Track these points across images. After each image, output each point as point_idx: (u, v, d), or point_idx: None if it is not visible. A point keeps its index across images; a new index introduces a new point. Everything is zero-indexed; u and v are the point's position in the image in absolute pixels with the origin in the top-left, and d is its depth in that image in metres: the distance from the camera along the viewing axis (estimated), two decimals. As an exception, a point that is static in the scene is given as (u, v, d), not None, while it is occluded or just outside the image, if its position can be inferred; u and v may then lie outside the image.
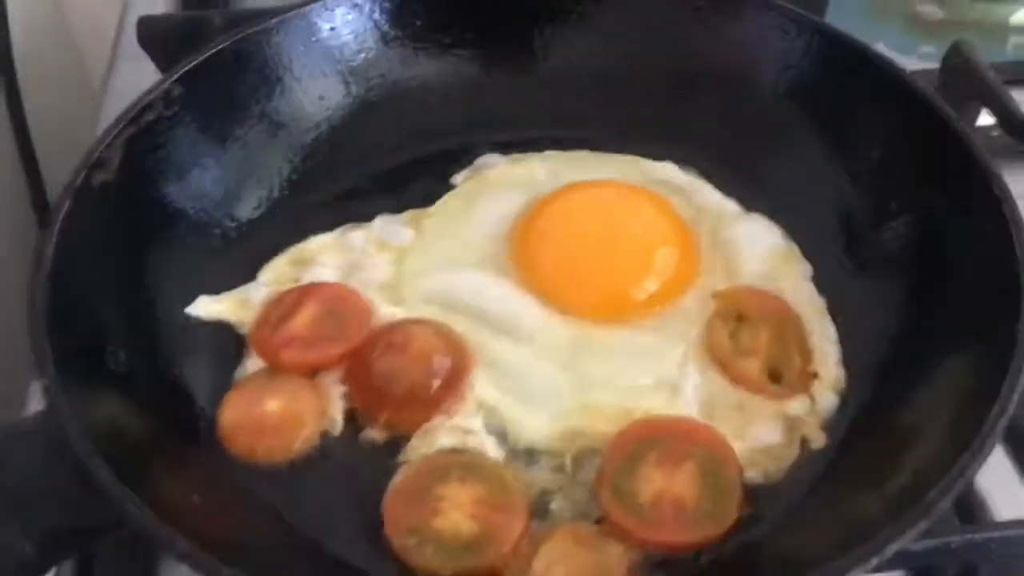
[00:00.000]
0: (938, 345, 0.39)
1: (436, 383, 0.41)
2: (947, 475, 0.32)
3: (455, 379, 0.42)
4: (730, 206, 0.49)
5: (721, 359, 0.43)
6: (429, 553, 0.36)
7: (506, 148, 0.52)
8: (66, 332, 0.35)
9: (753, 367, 0.43)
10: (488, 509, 0.38)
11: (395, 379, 0.41)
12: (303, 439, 0.40)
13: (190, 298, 0.43)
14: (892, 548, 0.30)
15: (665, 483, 0.38)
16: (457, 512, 0.37)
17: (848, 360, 0.43)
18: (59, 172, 0.41)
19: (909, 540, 0.31)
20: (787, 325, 0.44)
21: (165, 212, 0.44)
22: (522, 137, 0.52)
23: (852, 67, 0.48)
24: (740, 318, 0.44)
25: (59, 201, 0.38)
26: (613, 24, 0.53)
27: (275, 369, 0.42)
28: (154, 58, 0.58)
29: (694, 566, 0.36)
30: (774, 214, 0.49)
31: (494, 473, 0.39)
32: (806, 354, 0.43)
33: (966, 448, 0.32)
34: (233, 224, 0.47)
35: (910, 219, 0.44)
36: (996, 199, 0.39)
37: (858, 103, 0.47)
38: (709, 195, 0.50)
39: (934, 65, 0.58)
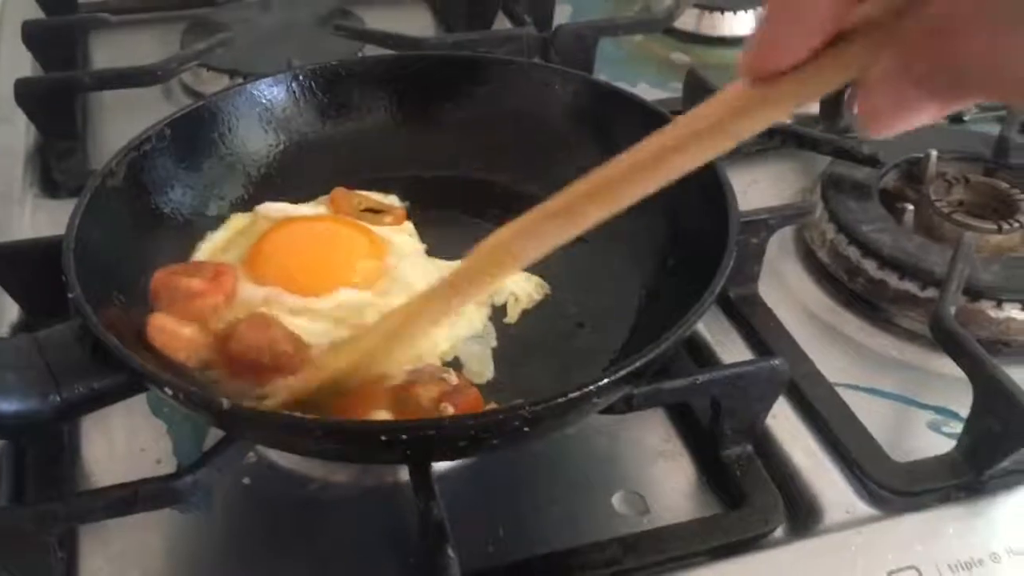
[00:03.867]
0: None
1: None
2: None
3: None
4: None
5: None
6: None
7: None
8: (85, 273, 0.53)
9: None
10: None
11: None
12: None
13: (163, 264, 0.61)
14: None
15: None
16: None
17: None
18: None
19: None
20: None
21: (152, 212, 0.63)
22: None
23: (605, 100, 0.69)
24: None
25: (83, 194, 0.57)
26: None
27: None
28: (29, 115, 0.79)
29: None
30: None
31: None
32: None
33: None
34: (198, 222, 0.65)
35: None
36: (716, 175, 0.59)
37: (617, 126, 0.68)
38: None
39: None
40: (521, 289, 0.64)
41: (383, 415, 0.50)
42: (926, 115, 0.34)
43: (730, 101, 0.39)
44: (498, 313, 0.63)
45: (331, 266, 0.61)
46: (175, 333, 0.53)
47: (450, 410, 0.50)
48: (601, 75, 0.94)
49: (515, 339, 0.61)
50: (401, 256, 0.64)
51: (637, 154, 0.42)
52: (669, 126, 0.41)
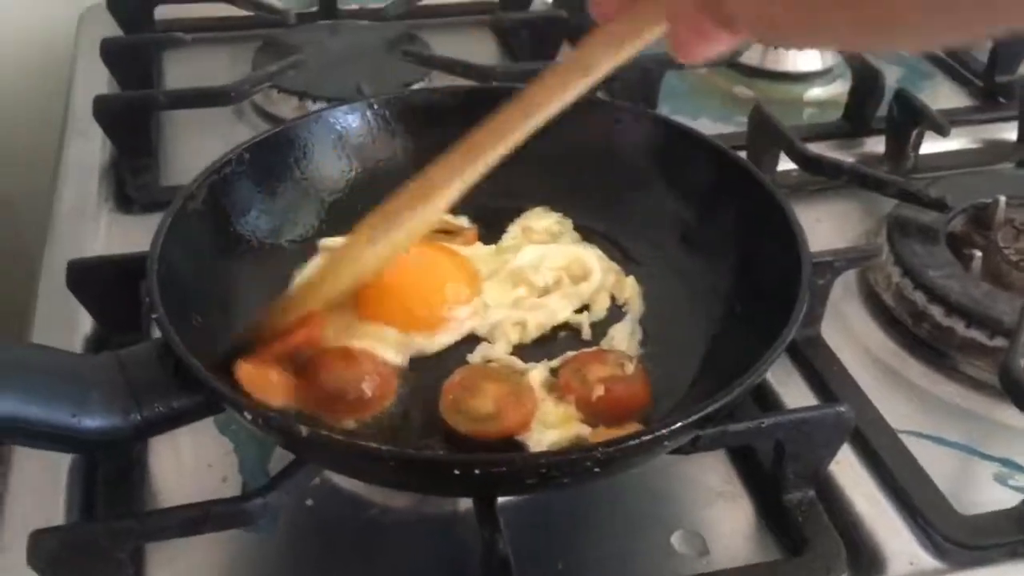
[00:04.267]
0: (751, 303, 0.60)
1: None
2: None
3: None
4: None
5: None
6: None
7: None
8: (166, 292, 0.54)
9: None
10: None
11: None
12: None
13: (240, 289, 0.63)
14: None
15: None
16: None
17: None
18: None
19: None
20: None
21: (229, 235, 0.64)
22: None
23: (676, 140, 0.69)
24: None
25: (166, 215, 0.58)
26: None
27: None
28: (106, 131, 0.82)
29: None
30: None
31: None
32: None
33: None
34: (273, 248, 0.67)
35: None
36: (787, 218, 0.59)
37: (685, 164, 0.68)
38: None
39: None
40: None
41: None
42: (722, 44, 0.42)
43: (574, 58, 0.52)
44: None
45: (436, 298, 0.63)
46: (264, 378, 0.54)
47: (600, 391, 0.55)
48: (664, 108, 0.95)
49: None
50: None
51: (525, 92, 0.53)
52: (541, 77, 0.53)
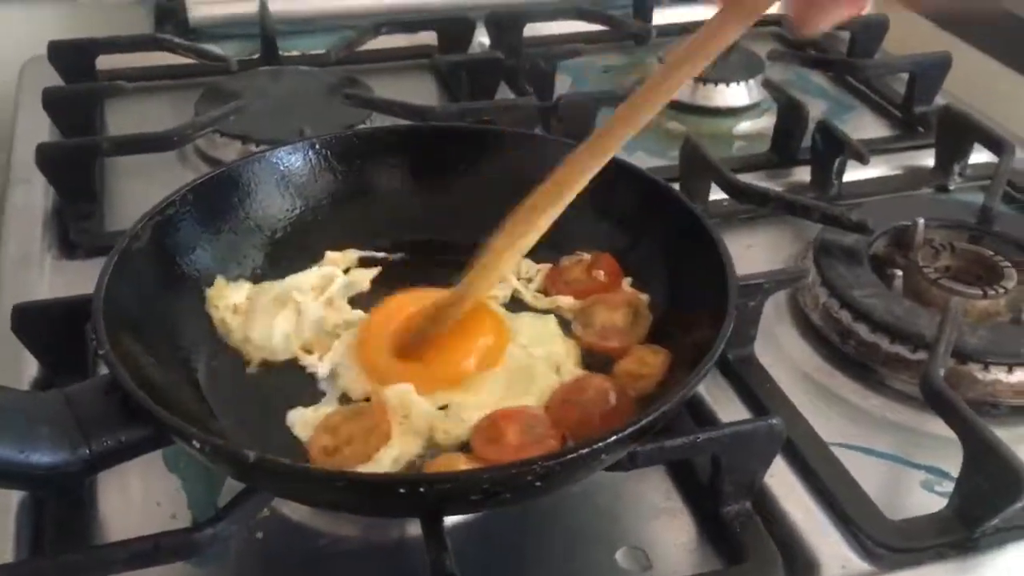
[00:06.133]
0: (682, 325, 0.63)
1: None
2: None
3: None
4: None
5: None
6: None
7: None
8: (112, 330, 0.55)
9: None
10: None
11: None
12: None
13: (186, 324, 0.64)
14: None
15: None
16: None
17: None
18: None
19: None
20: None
21: (174, 273, 0.65)
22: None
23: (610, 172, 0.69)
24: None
25: (111, 255, 0.59)
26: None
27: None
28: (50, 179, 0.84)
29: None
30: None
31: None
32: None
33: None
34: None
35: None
36: (714, 241, 0.62)
37: (615, 193, 0.70)
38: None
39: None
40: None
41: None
42: (838, 14, 0.47)
43: (699, 34, 0.55)
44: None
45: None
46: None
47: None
48: (600, 143, 0.98)
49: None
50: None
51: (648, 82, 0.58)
52: (668, 55, 0.56)
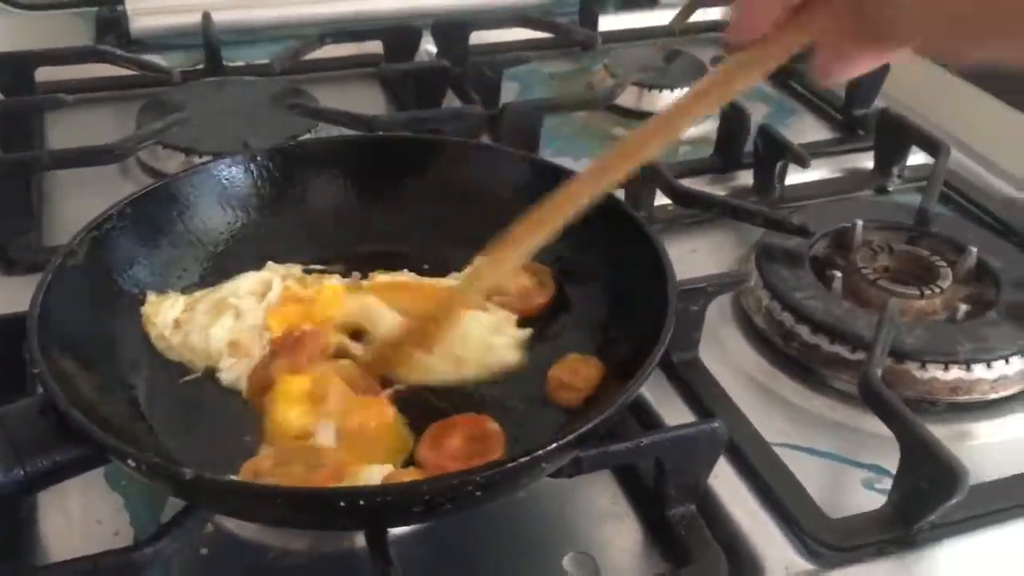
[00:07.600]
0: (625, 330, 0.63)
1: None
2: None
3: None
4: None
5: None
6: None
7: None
8: (48, 348, 0.54)
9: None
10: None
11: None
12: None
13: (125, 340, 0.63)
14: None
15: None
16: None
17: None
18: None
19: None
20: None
21: (112, 289, 0.64)
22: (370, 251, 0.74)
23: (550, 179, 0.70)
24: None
25: (45, 272, 0.58)
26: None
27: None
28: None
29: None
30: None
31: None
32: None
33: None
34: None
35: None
36: (654, 246, 0.63)
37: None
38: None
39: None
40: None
41: None
42: (863, 65, 0.46)
43: (715, 75, 0.53)
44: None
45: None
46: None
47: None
48: (548, 149, 0.98)
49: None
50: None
51: (653, 121, 0.57)
52: (683, 94, 0.54)
